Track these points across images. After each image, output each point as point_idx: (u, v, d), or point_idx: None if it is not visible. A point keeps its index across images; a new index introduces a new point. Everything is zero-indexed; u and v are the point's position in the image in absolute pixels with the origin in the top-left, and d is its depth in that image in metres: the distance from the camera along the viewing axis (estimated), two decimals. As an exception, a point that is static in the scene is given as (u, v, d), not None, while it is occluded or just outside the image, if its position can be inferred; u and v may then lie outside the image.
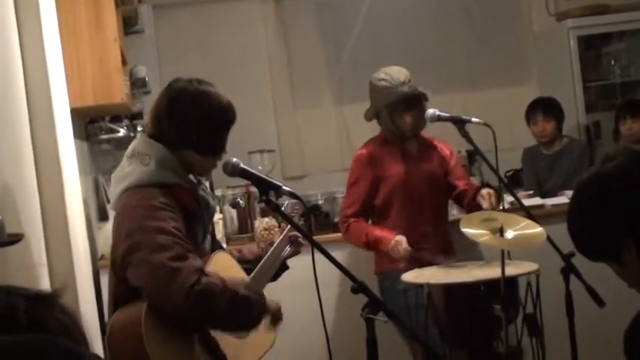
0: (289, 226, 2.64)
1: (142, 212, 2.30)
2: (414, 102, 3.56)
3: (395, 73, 3.58)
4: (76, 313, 1.04)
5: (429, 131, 3.80)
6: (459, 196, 3.68)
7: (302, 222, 2.82)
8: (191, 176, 2.48)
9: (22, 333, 0.93)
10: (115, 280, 2.40)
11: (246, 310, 2.34)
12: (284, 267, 2.72)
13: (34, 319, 0.97)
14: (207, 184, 2.60)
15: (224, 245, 3.18)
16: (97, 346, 2.60)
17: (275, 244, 2.69)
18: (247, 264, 2.68)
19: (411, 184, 3.61)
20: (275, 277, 2.70)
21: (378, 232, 3.53)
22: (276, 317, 2.54)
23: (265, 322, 2.49)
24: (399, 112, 3.56)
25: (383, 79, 3.58)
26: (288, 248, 2.72)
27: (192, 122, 2.42)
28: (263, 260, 2.63)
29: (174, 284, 2.19)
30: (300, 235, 2.64)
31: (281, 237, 2.70)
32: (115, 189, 2.44)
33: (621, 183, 1.58)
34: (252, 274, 2.60)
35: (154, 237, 2.24)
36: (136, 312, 2.25)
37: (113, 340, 2.29)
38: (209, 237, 2.59)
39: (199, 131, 2.42)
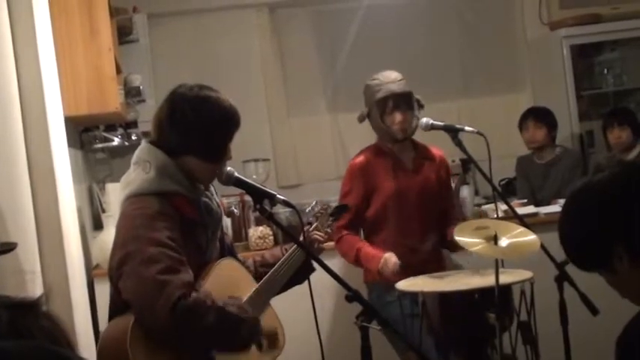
0: (308, 229, 2.66)
1: (137, 222, 2.30)
2: (404, 100, 3.57)
3: (387, 73, 3.64)
4: (62, 319, 1.04)
5: (423, 140, 3.80)
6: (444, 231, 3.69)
7: (331, 221, 2.84)
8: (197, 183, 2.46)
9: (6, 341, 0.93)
10: (112, 289, 2.40)
11: (235, 331, 2.30)
12: (310, 269, 2.63)
13: (18, 327, 0.96)
14: (212, 189, 2.56)
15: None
16: (92, 355, 2.59)
17: (289, 252, 2.65)
18: (270, 268, 2.63)
19: (403, 198, 3.60)
20: (301, 280, 2.63)
21: (370, 250, 3.51)
22: (271, 341, 2.45)
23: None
24: (388, 110, 3.58)
25: (375, 78, 3.64)
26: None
27: (192, 128, 2.39)
28: (275, 267, 2.60)
29: (160, 299, 2.17)
30: (318, 234, 2.68)
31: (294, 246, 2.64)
32: (119, 195, 2.44)
33: (612, 193, 1.59)
34: (260, 282, 2.57)
35: (146, 248, 2.23)
36: (124, 325, 2.23)
37: (102, 353, 2.28)
38: (217, 244, 2.56)
39: (199, 137, 2.39)
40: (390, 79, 3.60)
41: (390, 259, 3.40)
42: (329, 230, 2.84)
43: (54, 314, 1.03)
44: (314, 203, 2.80)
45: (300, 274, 2.63)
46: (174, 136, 2.40)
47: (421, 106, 3.65)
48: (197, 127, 2.39)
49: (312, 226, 2.75)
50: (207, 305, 2.23)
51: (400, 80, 3.60)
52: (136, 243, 2.25)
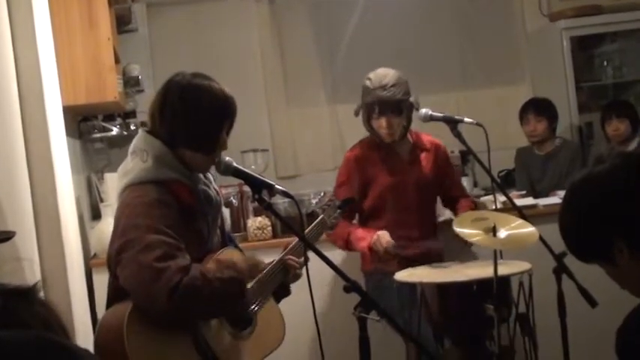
0: (294, 242, 2.61)
1: (136, 210, 2.30)
2: (390, 108, 3.51)
3: (379, 75, 3.54)
4: (58, 307, 1.03)
5: (422, 131, 3.80)
6: (454, 208, 3.70)
7: (338, 214, 2.85)
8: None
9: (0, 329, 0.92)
10: (110, 277, 2.40)
11: (230, 293, 2.33)
12: (286, 291, 2.65)
13: (11, 314, 0.96)
14: (210, 177, 2.55)
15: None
16: (89, 344, 2.59)
17: (292, 244, 2.63)
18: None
19: (399, 191, 3.59)
20: (277, 300, 2.64)
21: (361, 231, 3.52)
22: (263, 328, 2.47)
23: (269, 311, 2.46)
24: (374, 115, 3.55)
25: (368, 79, 3.57)
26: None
27: (180, 117, 2.37)
28: (278, 258, 2.59)
29: (157, 286, 2.18)
30: (295, 261, 2.58)
31: (284, 252, 2.62)
32: (118, 185, 2.44)
33: (612, 184, 1.59)
34: (262, 273, 2.53)
35: (143, 236, 2.24)
36: (121, 313, 2.24)
37: (99, 340, 2.28)
38: (218, 232, 2.56)
39: (187, 126, 2.37)
40: (381, 83, 3.50)
41: (384, 236, 3.39)
42: (334, 221, 2.85)
43: (49, 301, 1.02)
44: (322, 194, 2.80)
45: (276, 295, 2.63)
46: (165, 126, 2.39)
47: (416, 108, 3.60)
48: (185, 116, 2.37)
49: (307, 229, 2.72)
50: (200, 283, 2.24)
51: (392, 86, 3.49)
52: (135, 231, 2.26)
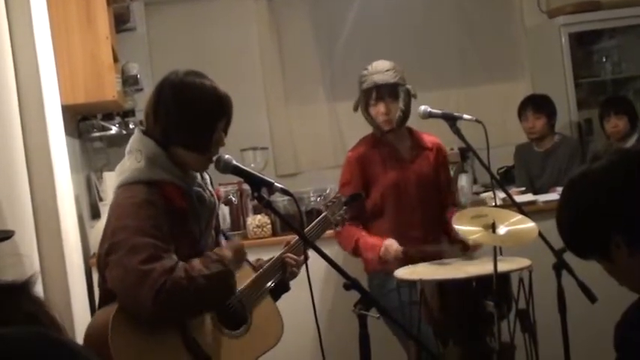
0: (295, 239, 2.60)
1: (125, 211, 2.30)
2: (387, 91, 3.55)
3: (376, 63, 3.61)
4: (49, 303, 1.02)
5: (421, 128, 3.80)
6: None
7: (344, 210, 2.84)
8: (191, 171, 2.44)
9: None
10: (100, 279, 2.40)
11: (218, 288, 2.33)
12: (285, 288, 2.65)
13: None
14: (207, 178, 2.54)
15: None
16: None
17: (292, 242, 2.63)
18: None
19: (401, 189, 3.59)
20: (275, 298, 2.64)
21: (369, 239, 3.51)
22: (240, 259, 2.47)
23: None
24: (372, 101, 3.57)
25: (365, 69, 3.62)
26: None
27: (173, 116, 2.36)
28: (276, 256, 2.59)
29: (143, 288, 2.18)
30: (292, 258, 2.59)
31: (283, 250, 2.62)
32: (115, 184, 2.44)
33: (610, 181, 1.59)
34: (259, 271, 2.55)
35: (131, 238, 2.24)
36: (107, 314, 2.24)
37: (86, 344, 2.28)
38: (213, 233, 2.55)
39: (180, 125, 2.36)
40: (377, 69, 3.57)
41: (392, 245, 3.40)
42: (339, 218, 2.85)
43: (41, 298, 1.01)
44: (328, 191, 2.79)
45: (275, 291, 2.62)
46: (159, 125, 2.38)
47: (413, 96, 3.62)
48: (177, 114, 2.36)
49: (309, 227, 2.73)
50: (185, 282, 2.23)
51: (388, 71, 3.56)
52: (122, 233, 2.26)
